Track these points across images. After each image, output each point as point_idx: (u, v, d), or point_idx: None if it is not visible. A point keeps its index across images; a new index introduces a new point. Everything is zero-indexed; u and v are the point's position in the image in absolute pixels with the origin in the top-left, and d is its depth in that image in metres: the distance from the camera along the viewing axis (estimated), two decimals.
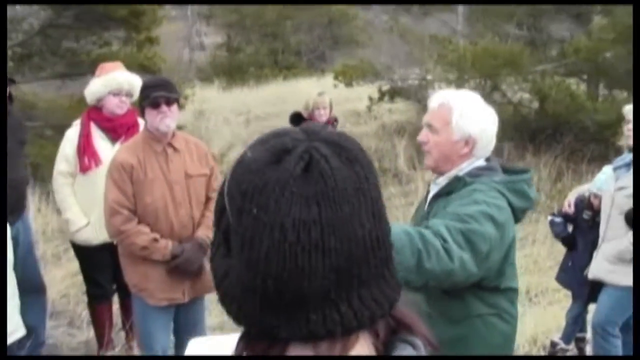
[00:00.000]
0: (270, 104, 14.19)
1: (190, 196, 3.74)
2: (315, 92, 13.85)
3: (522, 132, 10.27)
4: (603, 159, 8.75)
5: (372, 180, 0.91)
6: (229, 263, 0.91)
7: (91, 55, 9.45)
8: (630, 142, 4.29)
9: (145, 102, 3.64)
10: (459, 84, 10.72)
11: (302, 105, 6.03)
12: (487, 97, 10.84)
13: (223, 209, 0.92)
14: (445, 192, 2.48)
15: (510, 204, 2.40)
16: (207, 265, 3.90)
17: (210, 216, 3.78)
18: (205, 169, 3.86)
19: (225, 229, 0.92)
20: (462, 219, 2.25)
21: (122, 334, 4.88)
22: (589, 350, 5.05)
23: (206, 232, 3.71)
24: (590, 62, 8.49)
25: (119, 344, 4.82)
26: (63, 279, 5.60)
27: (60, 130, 6.92)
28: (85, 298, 5.30)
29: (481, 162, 2.53)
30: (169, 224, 3.65)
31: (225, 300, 0.93)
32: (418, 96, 10.97)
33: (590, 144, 10.19)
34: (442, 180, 2.54)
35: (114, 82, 4.48)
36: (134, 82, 4.57)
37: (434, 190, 2.58)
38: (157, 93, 3.62)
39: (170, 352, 3.93)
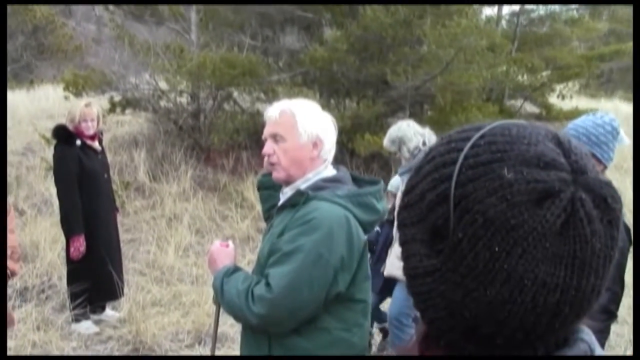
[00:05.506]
0: None
1: None
2: (34, 104, 12.76)
3: (259, 141, 10.50)
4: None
5: (619, 244, 0.84)
6: (434, 265, 0.81)
7: None
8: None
9: None
10: (195, 92, 10.67)
11: (67, 117, 5.51)
12: (219, 107, 10.97)
13: (442, 201, 0.80)
14: (290, 205, 2.45)
15: (355, 217, 2.38)
16: None
17: None
18: None
19: (436, 227, 0.81)
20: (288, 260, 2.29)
21: None
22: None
23: None
24: (325, 71, 8.99)
25: None
26: None
27: None
28: None
29: (330, 172, 2.54)
30: None
31: (421, 296, 0.85)
32: (154, 107, 10.68)
33: None
34: (289, 191, 2.52)
35: None
36: None
37: (281, 200, 2.56)
38: None
39: None
